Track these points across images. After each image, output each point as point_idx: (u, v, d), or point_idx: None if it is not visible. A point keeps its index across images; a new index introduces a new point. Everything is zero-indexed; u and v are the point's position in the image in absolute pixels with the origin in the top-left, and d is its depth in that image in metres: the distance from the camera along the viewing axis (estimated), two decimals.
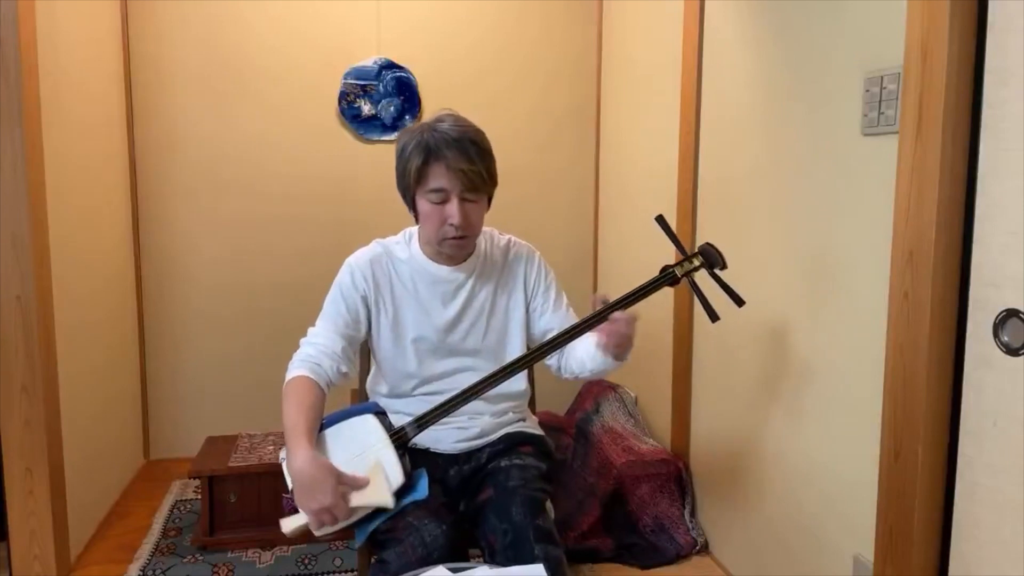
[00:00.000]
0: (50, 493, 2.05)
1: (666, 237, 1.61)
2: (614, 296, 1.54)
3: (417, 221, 1.64)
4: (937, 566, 1.42)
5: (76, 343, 2.31)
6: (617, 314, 1.50)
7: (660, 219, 1.62)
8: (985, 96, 1.28)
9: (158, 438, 3.07)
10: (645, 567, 2.26)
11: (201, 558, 2.31)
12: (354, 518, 1.42)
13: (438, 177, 1.53)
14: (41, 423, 2.03)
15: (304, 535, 1.42)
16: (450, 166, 1.51)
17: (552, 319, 1.71)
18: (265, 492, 2.39)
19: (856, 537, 1.63)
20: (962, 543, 1.35)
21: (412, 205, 1.61)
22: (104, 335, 2.62)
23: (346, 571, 2.26)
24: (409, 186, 1.57)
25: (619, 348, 1.54)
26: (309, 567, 2.27)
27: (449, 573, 1.26)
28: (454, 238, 1.57)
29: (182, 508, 2.65)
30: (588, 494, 2.47)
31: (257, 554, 2.34)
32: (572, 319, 1.70)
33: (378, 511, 1.43)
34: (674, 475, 2.40)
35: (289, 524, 1.40)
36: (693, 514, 2.39)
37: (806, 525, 1.83)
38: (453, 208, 1.53)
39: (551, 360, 1.72)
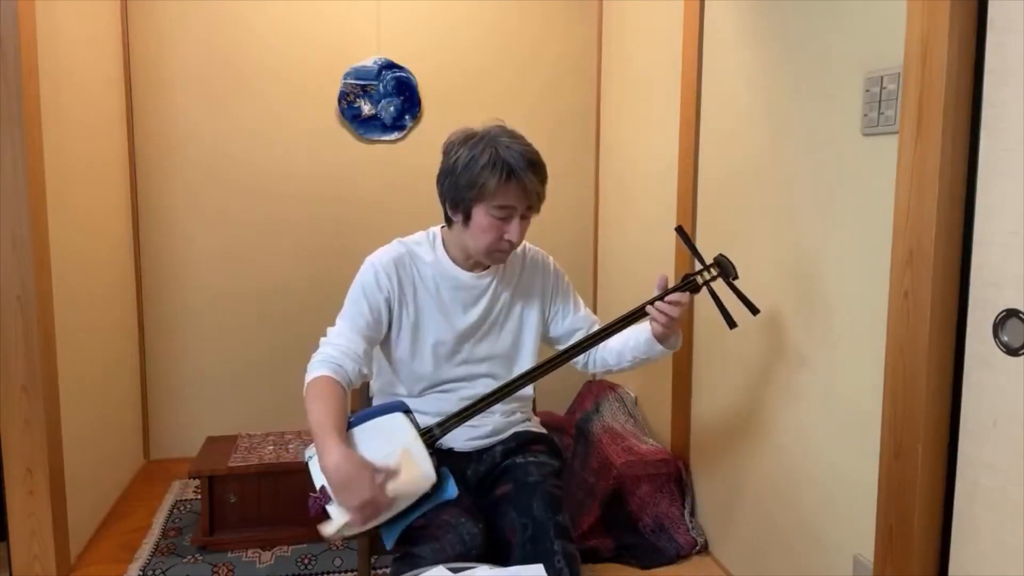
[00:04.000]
0: (50, 493, 2.05)
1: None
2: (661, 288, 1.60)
3: (448, 224, 1.64)
4: (937, 566, 1.42)
5: (76, 343, 2.30)
6: (672, 296, 1.56)
7: (680, 230, 1.69)
8: (985, 96, 1.28)
9: (158, 438, 3.07)
10: (645, 567, 2.26)
11: (201, 558, 2.31)
12: (396, 509, 1.41)
13: (511, 195, 1.52)
14: (41, 423, 2.03)
15: (344, 538, 1.38)
16: (527, 187, 1.52)
17: (576, 320, 1.77)
18: (265, 492, 2.39)
19: (856, 537, 1.63)
20: (962, 543, 1.35)
21: (466, 214, 1.56)
22: (104, 335, 2.62)
23: (346, 571, 2.27)
24: (471, 198, 1.53)
25: (667, 329, 1.58)
26: (309, 567, 2.27)
27: (449, 573, 1.26)
28: (505, 251, 1.59)
29: (182, 508, 2.65)
30: (588, 494, 2.47)
31: (257, 554, 2.34)
32: (591, 317, 1.78)
33: (406, 512, 1.43)
34: (674, 475, 2.40)
35: (329, 527, 1.37)
36: (693, 514, 2.39)
37: (806, 525, 1.83)
38: (515, 226, 1.55)
39: (577, 357, 1.73)
